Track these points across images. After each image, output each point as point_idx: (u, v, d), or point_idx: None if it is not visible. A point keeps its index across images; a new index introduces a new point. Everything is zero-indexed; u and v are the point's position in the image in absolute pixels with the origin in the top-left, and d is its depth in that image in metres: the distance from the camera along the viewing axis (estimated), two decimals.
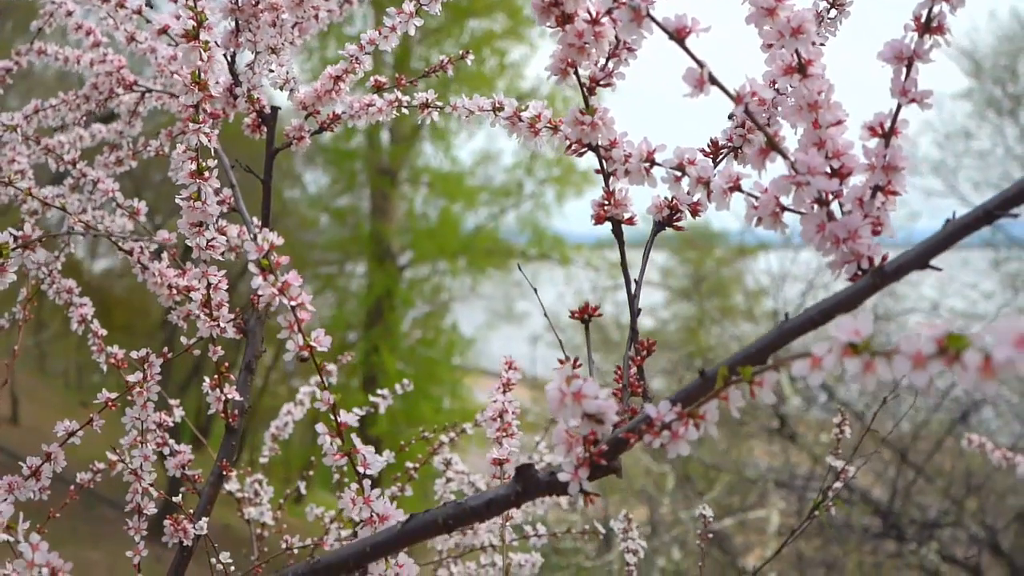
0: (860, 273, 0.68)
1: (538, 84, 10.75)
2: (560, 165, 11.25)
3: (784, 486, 6.93)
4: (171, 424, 1.17)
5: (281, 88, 1.24)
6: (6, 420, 9.56)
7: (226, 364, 1.14)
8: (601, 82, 0.84)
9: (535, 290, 1.08)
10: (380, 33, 1.21)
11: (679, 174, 0.82)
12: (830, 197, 0.69)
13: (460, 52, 1.31)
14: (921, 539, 6.05)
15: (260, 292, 0.76)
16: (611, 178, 0.87)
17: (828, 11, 0.89)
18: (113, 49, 1.50)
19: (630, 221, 0.88)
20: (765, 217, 0.73)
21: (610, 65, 0.84)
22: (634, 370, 0.83)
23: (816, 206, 0.69)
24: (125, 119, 1.56)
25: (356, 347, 10.60)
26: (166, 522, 1.11)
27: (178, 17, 1.03)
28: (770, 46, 0.73)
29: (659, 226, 0.88)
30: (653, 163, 0.84)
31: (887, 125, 0.69)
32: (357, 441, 0.81)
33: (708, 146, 0.86)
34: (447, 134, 10.98)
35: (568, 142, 0.86)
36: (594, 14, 0.76)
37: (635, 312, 0.85)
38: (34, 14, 1.52)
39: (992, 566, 6.29)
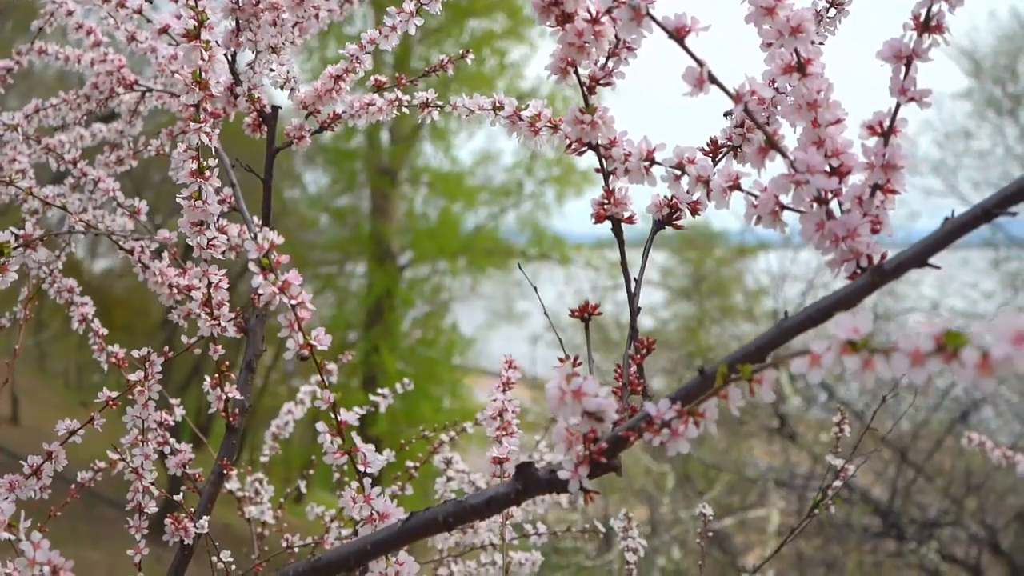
0: (859, 271, 0.68)
1: (538, 84, 10.76)
2: (560, 165, 11.26)
3: (784, 485, 6.93)
4: (172, 423, 1.17)
5: (282, 87, 1.24)
6: (6, 420, 9.56)
7: (227, 363, 1.14)
8: (601, 81, 0.84)
9: (535, 288, 1.08)
10: (380, 32, 1.21)
11: (679, 173, 0.83)
12: (829, 195, 0.69)
13: (460, 51, 1.31)
14: (921, 538, 6.05)
15: (260, 291, 0.76)
16: (611, 177, 0.87)
17: (827, 10, 0.89)
18: (114, 49, 1.50)
19: (630, 220, 0.88)
20: (764, 215, 0.73)
21: (610, 64, 0.84)
22: (634, 368, 0.83)
23: (815, 204, 0.70)
24: (126, 118, 1.56)
25: (356, 347, 10.60)
26: (167, 520, 1.11)
27: (179, 17, 1.03)
28: (769, 45, 0.73)
29: (659, 225, 0.88)
30: (653, 162, 0.84)
31: (886, 124, 0.69)
32: (357, 439, 0.81)
33: (708, 145, 0.86)
34: (447, 134, 10.99)
35: (568, 141, 0.87)
36: (594, 13, 0.76)
37: (635, 311, 0.85)
38: (34, 14, 1.52)
39: (992, 565, 6.30)
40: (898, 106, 0.69)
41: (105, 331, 1.27)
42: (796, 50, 0.71)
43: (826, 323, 0.63)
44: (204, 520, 1.11)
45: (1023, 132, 8.81)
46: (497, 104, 1.03)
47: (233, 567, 1.21)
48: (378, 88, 1.27)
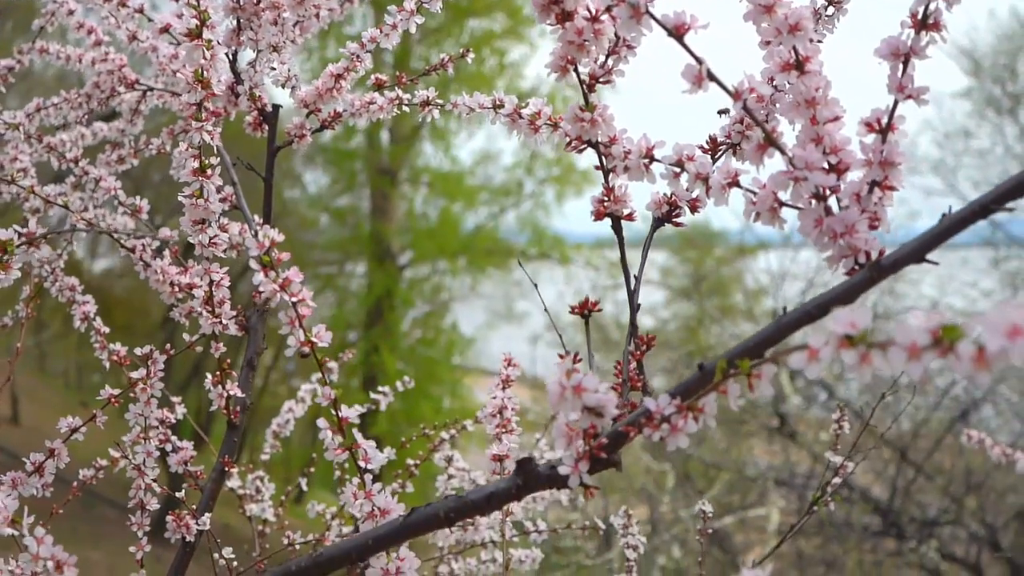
0: (857, 267, 0.68)
1: (538, 84, 10.76)
2: (560, 165, 11.27)
3: (784, 484, 6.94)
4: (173, 421, 1.17)
5: (283, 86, 1.25)
6: (6, 420, 9.56)
7: (228, 361, 1.15)
8: (601, 79, 0.85)
9: (535, 285, 1.09)
10: (381, 31, 1.22)
11: (678, 170, 0.83)
12: (827, 192, 0.70)
13: (460, 51, 1.31)
14: (921, 537, 6.06)
15: (261, 288, 0.76)
16: (611, 174, 0.87)
17: (826, 8, 0.89)
18: (115, 48, 1.50)
19: (629, 217, 0.88)
20: (763, 212, 0.74)
21: (610, 62, 0.85)
22: (634, 365, 0.83)
23: (814, 201, 0.70)
24: (127, 117, 1.57)
25: (356, 347, 10.61)
26: (168, 518, 1.11)
27: (180, 16, 1.03)
28: (768, 43, 0.73)
29: (658, 222, 0.89)
30: (652, 159, 0.84)
31: (884, 121, 0.70)
32: (358, 436, 0.81)
33: (707, 143, 0.87)
34: (447, 134, 11.00)
35: (568, 139, 0.87)
36: (594, 11, 0.76)
37: (635, 308, 0.86)
38: (34, 14, 1.52)
39: (992, 564, 6.30)
40: (896, 103, 0.70)
41: (107, 329, 1.28)
42: (795, 48, 0.71)
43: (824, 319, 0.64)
44: (206, 517, 1.12)
45: (1023, 131, 8.81)
46: (497, 102, 1.03)
47: (235, 564, 1.21)
48: (379, 87, 1.28)
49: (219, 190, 1.04)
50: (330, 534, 1.62)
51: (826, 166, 0.70)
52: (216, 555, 1.20)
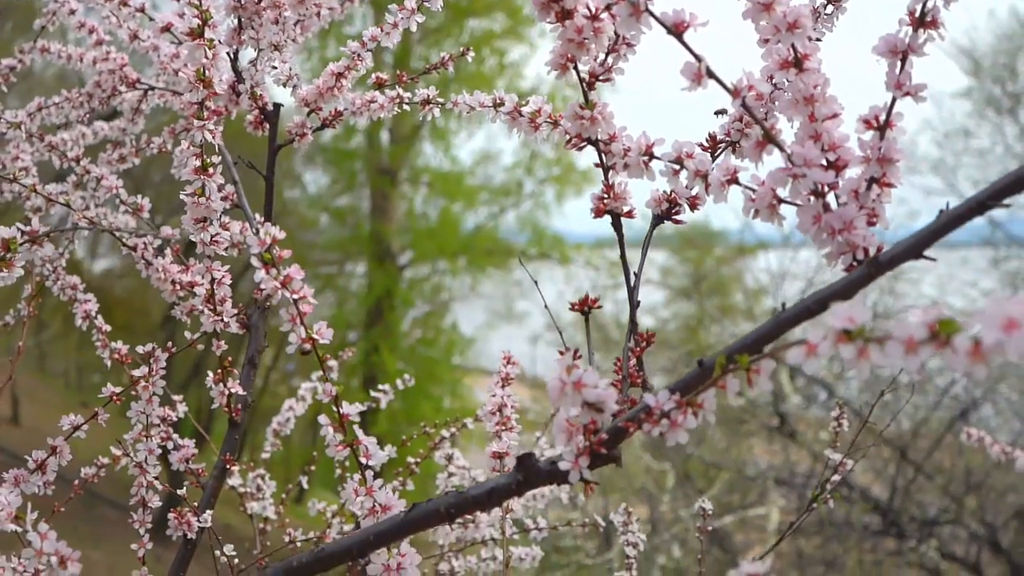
0: (856, 264, 0.69)
1: (538, 83, 10.77)
2: (560, 164, 11.28)
3: (784, 484, 6.94)
4: (175, 419, 1.18)
5: (284, 85, 1.25)
6: (7, 420, 9.56)
7: (229, 359, 1.15)
8: (601, 77, 0.85)
9: (535, 282, 1.09)
10: (382, 30, 1.22)
11: (677, 168, 0.83)
12: (826, 189, 0.70)
13: (460, 49, 1.32)
14: (921, 537, 6.06)
15: (263, 286, 0.77)
16: (610, 172, 0.88)
17: (825, 7, 0.89)
18: (116, 47, 1.50)
19: (629, 214, 0.89)
20: (762, 209, 0.74)
21: (609, 60, 0.85)
22: (633, 361, 0.84)
23: (812, 198, 0.71)
24: (128, 116, 1.57)
25: (356, 347, 10.61)
26: (170, 515, 1.12)
27: (181, 15, 1.04)
28: (767, 41, 0.74)
29: (658, 219, 0.89)
30: (652, 157, 0.85)
31: (882, 118, 0.70)
32: (359, 432, 0.82)
33: (706, 141, 0.87)
34: (447, 134, 11.00)
35: (568, 137, 0.87)
36: (593, 10, 0.77)
37: (634, 304, 0.86)
38: (35, 14, 1.53)
39: (992, 564, 6.31)
40: (894, 100, 0.70)
41: (108, 328, 1.28)
42: (793, 45, 0.72)
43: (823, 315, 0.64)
44: (207, 514, 1.12)
45: (1023, 131, 8.82)
46: (497, 101, 1.04)
47: (236, 561, 1.21)
48: (379, 85, 1.28)
49: (220, 188, 1.05)
50: (331, 532, 1.62)
51: (824, 163, 0.71)
52: (217, 552, 1.21)
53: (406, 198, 11.72)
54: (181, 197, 1.04)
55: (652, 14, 0.70)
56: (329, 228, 11.90)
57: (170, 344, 1.14)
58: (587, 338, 0.89)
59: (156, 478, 1.14)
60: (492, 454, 1.08)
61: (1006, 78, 8.78)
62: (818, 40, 0.84)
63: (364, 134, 10.77)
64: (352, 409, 0.82)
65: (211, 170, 1.02)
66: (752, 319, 9.44)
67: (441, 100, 1.25)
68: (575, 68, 0.83)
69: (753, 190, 0.76)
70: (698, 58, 0.70)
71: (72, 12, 1.48)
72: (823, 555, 6.58)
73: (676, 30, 0.69)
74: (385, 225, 11.08)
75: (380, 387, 1.76)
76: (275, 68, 1.24)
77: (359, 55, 1.24)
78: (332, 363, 1.70)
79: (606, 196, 0.88)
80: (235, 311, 1.12)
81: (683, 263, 10.99)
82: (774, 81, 0.77)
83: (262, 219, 1.26)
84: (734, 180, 0.79)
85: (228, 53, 1.20)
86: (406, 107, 1.28)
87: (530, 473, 0.72)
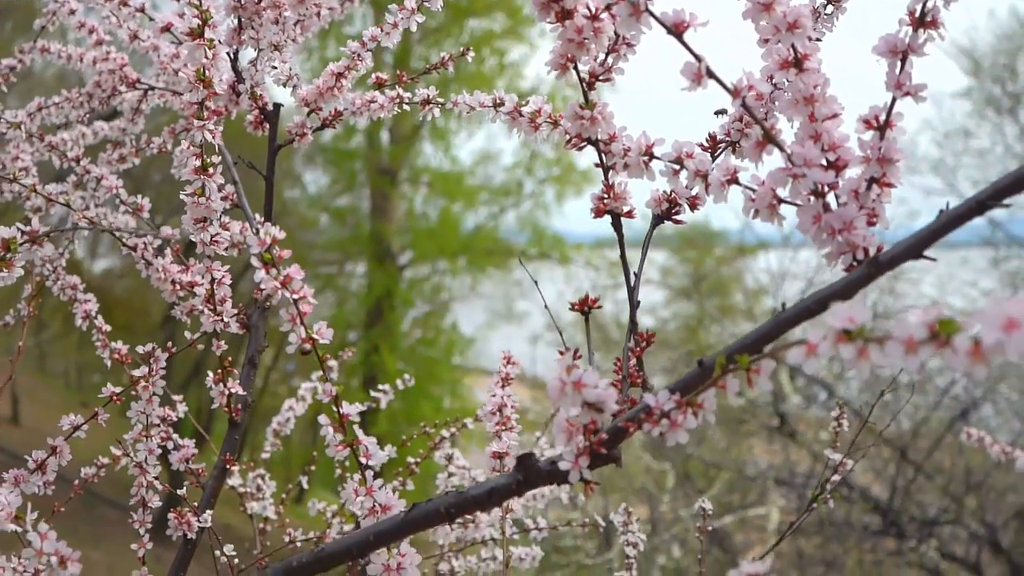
0: (856, 263, 0.69)
1: (538, 84, 10.77)
2: (560, 164, 11.28)
3: (784, 484, 6.95)
4: (175, 419, 1.18)
5: (284, 84, 1.25)
6: (6, 420, 9.57)
7: (229, 359, 1.15)
8: (601, 77, 0.85)
9: (535, 282, 1.09)
10: (382, 29, 1.22)
11: (677, 167, 0.84)
12: (826, 189, 0.70)
13: (460, 49, 1.32)
14: (921, 537, 6.06)
15: (263, 285, 0.77)
16: (610, 172, 0.88)
17: (825, 7, 0.89)
18: (116, 47, 1.51)
19: (629, 214, 0.89)
20: (762, 209, 0.74)
21: (609, 60, 0.85)
22: (633, 361, 0.84)
23: (812, 198, 0.71)
24: (128, 116, 1.57)
25: (356, 347, 10.61)
26: (170, 515, 1.12)
27: (181, 15, 1.04)
28: (767, 41, 0.74)
29: (658, 219, 0.89)
30: (652, 156, 0.85)
31: (882, 118, 0.70)
32: (359, 432, 0.82)
33: (706, 141, 0.87)
34: (447, 134, 11.00)
35: (568, 136, 0.87)
36: (593, 10, 0.77)
37: (634, 304, 0.86)
38: (35, 14, 1.53)
39: (992, 564, 6.31)
40: (894, 100, 0.70)
41: (108, 328, 1.28)
42: (793, 45, 0.72)
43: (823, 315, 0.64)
44: (208, 514, 1.12)
45: (1023, 131, 8.82)
46: (497, 101, 1.04)
47: (236, 561, 1.21)
48: (379, 85, 1.28)
49: (220, 188, 1.05)
50: (331, 532, 1.62)
51: (824, 163, 0.71)
52: (217, 552, 1.21)
53: (406, 198, 11.72)
54: (181, 197, 1.04)
55: (652, 14, 0.70)
56: (329, 228, 11.90)
57: (170, 344, 1.14)
58: (587, 338, 0.89)
59: (156, 478, 1.14)
60: (492, 454, 1.08)
61: (1006, 78, 8.79)
62: (818, 40, 0.84)
63: (364, 134, 10.78)
64: (352, 409, 0.82)
65: (211, 170, 1.02)
66: (752, 319, 9.44)
67: (441, 100, 1.25)
68: (575, 68, 0.83)
69: (753, 190, 0.76)
70: (698, 58, 0.70)
71: (72, 12, 1.48)
72: (823, 555, 6.58)
73: (676, 30, 0.69)
74: (385, 225, 11.08)
75: (380, 387, 1.76)
76: (275, 68, 1.24)
77: (359, 55, 1.24)
78: (332, 363, 1.70)
79: (606, 196, 0.88)
80: (235, 311, 1.12)
81: (683, 263, 10.99)
82: (774, 81, 0.78)
83: (262, 219, 1.26)
84: (734, 180, 0.79)
85: (228, 53, 1.20)
86: (406, 107, 1.28)
87: (530, 473, 0.72)
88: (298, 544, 1.53)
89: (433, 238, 11.05)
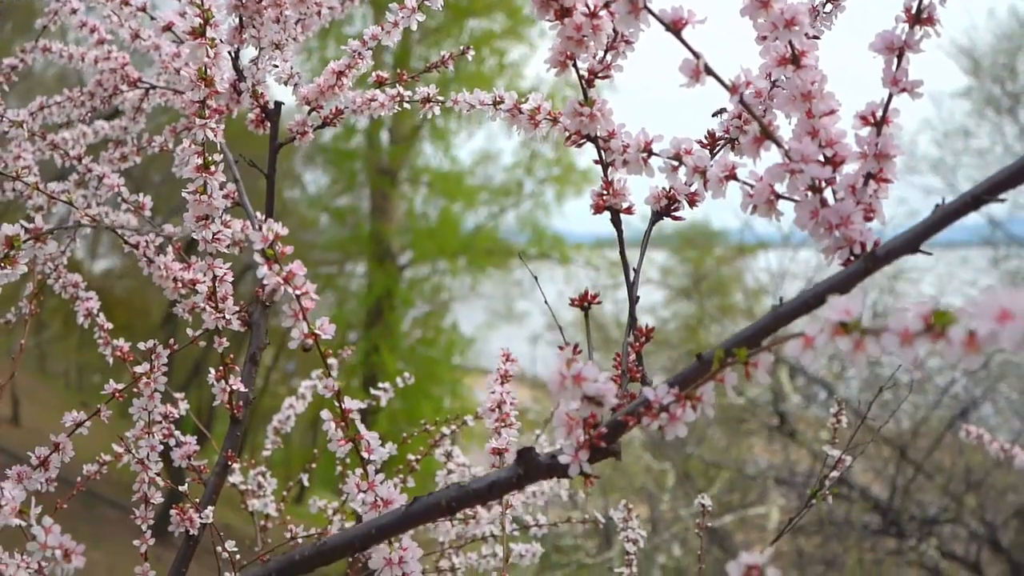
0: (853, 258, 0.69)
1: (537, 83, 10.76)
2: (560, 164, 11.28)
3: (784, 483, 6.95)
4: (177, 416, 1.18)
5: (285, 83, 1.26)
6: (7, 420, 9.57)
7: (231, 356, 1.16)
8: (599, 74, 0.86)
9: (535, 278, 1.10)
10: (383, 28, 1.23)
11: (676, 164, 0.84)
12: (823, 184, 0.71)
13: (461, 48, 1.32)
14: (921, 536, 6.07)
15: (266, 281, 0.77)
16: (609, 169, 0.88)
17: (824, 5, 0.90)
18: (117, 46, 1.51)
19: (628, 211, 0.89)
20: (760, 205, 0.75)
21: (608, 58, 0.86)
22: (633, 356, 0.84)
23: (810, 193, 0.71)
24: (129, 115, 1.58)
25: (356, 347, 10.60)
26: (172, 511, 1.12)
27: (182, 14, 1.05)
28: (764, 38, 0.74)
29: (657, 216, 0.90)
30: (650, 153, 0.85)
31: (879, 114, 0.71)
32: (361, 427, 0.82)
33: (705, 138, 0.88)
34: (447, 134, 11.00)
35: (567, 134, 0.88)
36: (592, 7, 0.77)
37: (634, 300, 0.87)
38: (35, 14, 1.53)
39: (992, 562, 6.31)
40: (890, 97, 0.71)
41: (110, 325, 1.29)
42: (791, 42, 0.72)
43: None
44: (209, 510, 1.13)
45: (1022, 130, 8.82)
46: (497, 98, 1.04)
47: (237, 557, 1.22)
48: (380, 84, 1.29)
49: (222, 186, 1.05)
50: (332, 528, 1.63)
51: (822, 159, 0.71)
52: (219, 548, 1.21)
53: (406, 198, 11.72)
54: (183, 195, 1.05)
55: (650, 11, 0.70)
56: (329, 228, 11.90)
57: (172, 341, 1.15)
58: (587, 335, 0.89)
59: (158, 475, 1.14)
60: (492, 450, 1.09)
61: (1006, 78, 8.79)
62: (816, 38, 0.85)
63: (364, 134, 10.78)
64: (354, 404, 0.83)
65: (213, 168, 1.03)
66: (752, 319, 9.38)
67: (441, 98, 1.26)
68: (574, 66, 0.83)
69: (751, 186, 0.76)
70: (696, 55, 0.70)
71: (74, 11, 1.49)
72: (823, 554, 6.58)
73: (674, 27, 0.70)
74: (385, 225, 11.08)
75: (380, 385, 1.76)
76: (276, 67, 1.24)
77: (360, 53, 1.25)
78: (332, 362, 1.70)
79: (605, 192, 0.88)
80: (236, 308, 1.13)
81: (683, 263, 11.00)
82: (772, 78, 0.78)
83: (263, 217, 1.27)
84: (732, 176, 0.79)
85: (229, 52, 1.21)
86: (406, 105, 1.28)
87: (530, 467, 0.73)
88: (299, 541, 1.54)
89: (433, 238, 11.05)
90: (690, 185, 0.85)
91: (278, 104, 1.28)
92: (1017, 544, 6.31)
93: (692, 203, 0.87)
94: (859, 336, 0.52)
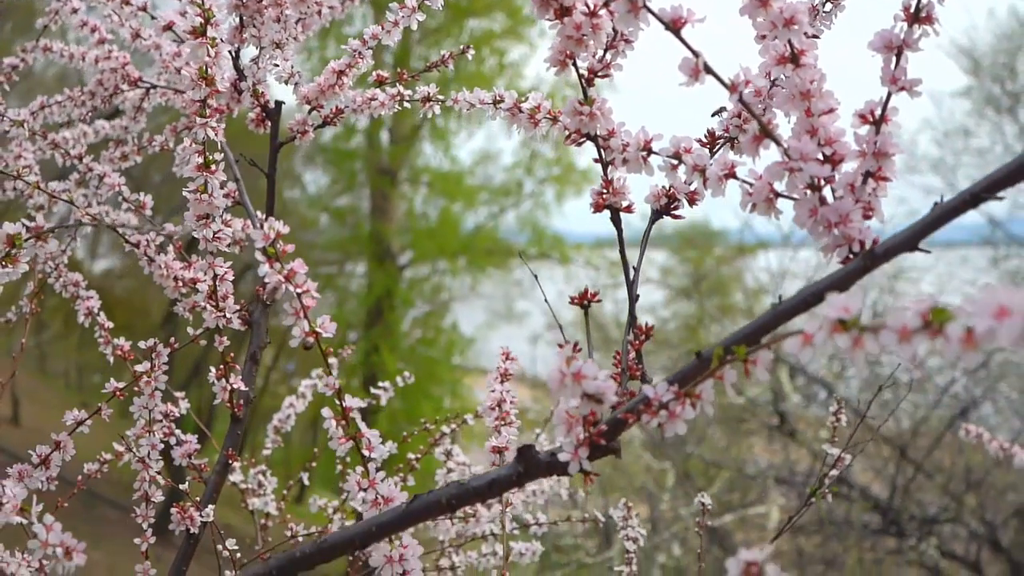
0: (851, 256, 0.70)
1: (537, 83, 10.76)
2: (559, 164, 11.28)
3: (784, 483, 6.95)
4: (177, 415, 1.18)
5: (286, 82, 1.26)
6: (7, 420, 9.57)
7: (231, 354, 1.16)
8: (599, 73, 0.86)
9: (535, 276, 1.10)
10: (383, 28, 1.23)
11: (676, 162, 0.84)
12: (822, 182, 0.71)
13: (461, 47, 1.32)
14: (921, 535, 6.07)
15: (267, 279, 0.77)
16: (609, 167, 0.88)
17: (823, 4, 0.90)
18: (118, 46, 1.51)
19: (628, 209, 0.90)
20: (759, 203, 0.75)
21: (608, 57, 0.86)
22: (632, 354, 0.85)
23: (809, 191, 0.71)
24: (130, 115, 1.58)
25: (356, 347, 10.60)
26: (173, 509, 1.12)
27: (183, 14, 1.05)
28: (764, 37, 0.74)
29: (657, 214, 0.90)
30: (650, 151, 0.85)
31: (878, 113, 0.71)
32: (362, 425, 0.82)
33: (705, 137, 0.88)
34: (447, 134, 11.01)
35: (567, 132, 0.88)
36: (592, 6, 0.78)
37: (633, 298, 0.87)
38: (35, 14, 1.54)
39: (992, 562, 6.32)
40: (889, 95, 0.71)
41: (111, 324, 1.29)
42: (790, 41, 0.73)
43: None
44: (210, 508, 1.13)
45: (1022, 130, 8.82)
46: (497, 97, 1.05)
47: (238, 555, 1.22)
48: (380, 83, 1.29)
49: (222, 185, 1.05)
50: (332, 527, 1.63)
51: (821, 157, 0.72)
52: (220, 546, 1.21)
53: (406, 198, 11.72)
54: (184, 194, 1.05)
55: (650, 10, 0.71)
56: (329, 228, 11.90)
57: (172, 340, 1.15)
58: (587, 334, 0.90)
59: (159, 473, 1.14)
60: (492, 448, 1.09)
61: (1005, 77, 8.79)
62: (815, 37, 0.85)
63: (364, 134, 10.78)
64: (355, 402, 0.83)
65: (214, 167, 1.03)
66: (752, 319, 9.42)
67: (441, 97, 1.26)
68: (574, 65, 0.83)
69: (750, 184, 0.77)
70: (695, 53, 0.70)
71: (75, 11, 1.49)
72: (823, 554, 6.59)
73: (674, 26, 0.70)
74: (385, 225, 11.08)
75: (380, 384, 1.77)
76: (277, 66, 1.24)
77: (360, 53, 1.25)
78: (332, 361, 1.70)
79: (605, 191, 0.88)
80: (237, 307, 1.13)
81: (683, 263, 11.00)
82: (771, 77, 0.78)
83: (264, 216, 1.27)
84: (731, 174, 0.79)
85: (230, 51, 1.21)
86: (406, 104, 1.29)
87: (530, 464, 0.73)
88: (299, 539, 1.54)
89: (433, 238, 11.05)
90: (690, 184, 0.86)
91: (278, 103, 1.28)
92: (1017, 544, 6.31)
93: (692, 202, 0.87)
94: (857, 333, 0.52)
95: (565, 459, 0.69)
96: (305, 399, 1.87)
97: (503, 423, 1.10)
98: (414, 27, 1.23)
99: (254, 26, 1.18)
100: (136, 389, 1.12)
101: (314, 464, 1.90)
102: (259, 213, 1.29)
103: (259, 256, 0.76)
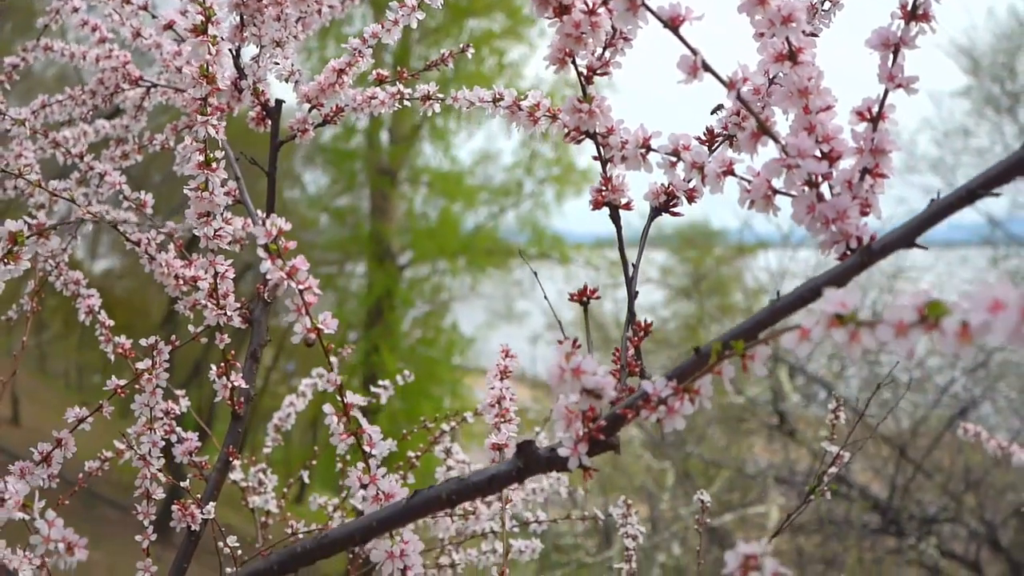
0: (849, 252, 0.70)
1: (537, 83, 10.77)
2: (559, 164, 11.28)
3: (784, 482, 6.96)
4: (178, 413, 1.19)
5: (286, 80, 1.26)
6: (7, 420, 9.57)
7: (232, 352, 1.16)
8: (598, 71, 0.86)
9: (535, 274, 1.10)
10: (383, 26, 1.23)
11: (674, 160, 0.85)
12: (820, 179, 0.72)
13: (460, 46, 1.33)
14: (920, 535, 6.07)
15: (269, 276, 0.78)
16: (608, 165, 0.89)
17: (822, 3, 0.91)
18: (118, 45, 1.52)
19: (627, 206, 0.90)
20: (757, 200, 0.75)
21: (607, 55, 0.86)
22: (632, 351, 0.85)
23: (806, 188, 0.72)
24: (131, 114, 1.58)
25: (356, 347, 10.60)
26: (174, 507, 1.13)
27: (184, 13, 1.05)
28: (762, 35, 0.75)
29: (655, 212, 0.90)
30: (649, 149, 0.86)
31: (875, 110, 0.72)
32: (363, 421, 0.83)
33: (704, 134, 0.88)
34: (446, 134, 11.01)
35: (566, 130, 0.89)
36: (591, 4, 0.78)
37: (633, 294, 0.87)
38: (35, 14, 1.54)
39: (991, 562, 6.32)
40: (886, 92, 0.71)
41: (111, 322, 1.29)
42: (788, 39, 0.73)
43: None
44: (211, 506, 1.13)
45: (1022, 130, 8.82)
46: (497, 96, 1.05)
47: (239, 553, 1.22)
48: (380, 81, 1.29)
49: (223, 184, 1.06)
50: (332, 525, 1.63)
51: (819, 154, 0.72)
52: (220, 543, 1.22)
53: (406, 198, 11.73)
54: (185, 192, 1.06)
55: (648, 8, 0.71)
56: (329, 228, 11.91)
57: (173, 337, 1.15)
58: (586, 332, 0.90)
59: (159, 471, 1.15)
60: (491, 446, 1.09)
61: (1005, 77, 8.79)
62: (814, 35, 0.86)
63: (364, 134, 10.79)
64: (356, 399, 0.83)
65: (214, 164, 1.04)
66: None
67: (441, 95, 1.26)
68: (573, 63, 0.84)
69: (749, 181, 0.77)
70: (694, 51, 0.71)
71: (75, 10, 1.49)
72: (823, 553, 6.59)
73: (672, 24, 0.71)
74: (385, 225, 11.08)
75: (380, 383, 1.77)
76: (277, 64, 1.25)
77: (360, 51, 1.26)
78: (333, 359, 1.70)
79: (604, 188, 0.89)
80: (237, 305, 1.14)
81: (683, 263, 11.00)
82: (769, 74, 0.79)
83: (264, 215, 1.27)
84: (730, 171, 0.80)
85: (231, 50, 1.22)
86: (406, 103, 1.29)
87: (530, 460, 0.73)
88: (300, 536, 1.54)
89: (433, 238, 11.05)
90: (688, 181, 0.86)
91: (279, 102, 1.29)
92: (1016, 543, 6.32)
93: (690, 199, 0.88)
94: (854, 328, 0.52)
95: (565, 454, 0.69)
96: (305, 398, 1.87)
97: (503, 420, 1.10)
98: (414, 26, 1.24)
99: (255, 25, 1.19)
100: (137, 387, 1.13)
101: (314, 463, 1.90)
102: (259, 212, 1.29)
103: (261, 252, 0.77)
